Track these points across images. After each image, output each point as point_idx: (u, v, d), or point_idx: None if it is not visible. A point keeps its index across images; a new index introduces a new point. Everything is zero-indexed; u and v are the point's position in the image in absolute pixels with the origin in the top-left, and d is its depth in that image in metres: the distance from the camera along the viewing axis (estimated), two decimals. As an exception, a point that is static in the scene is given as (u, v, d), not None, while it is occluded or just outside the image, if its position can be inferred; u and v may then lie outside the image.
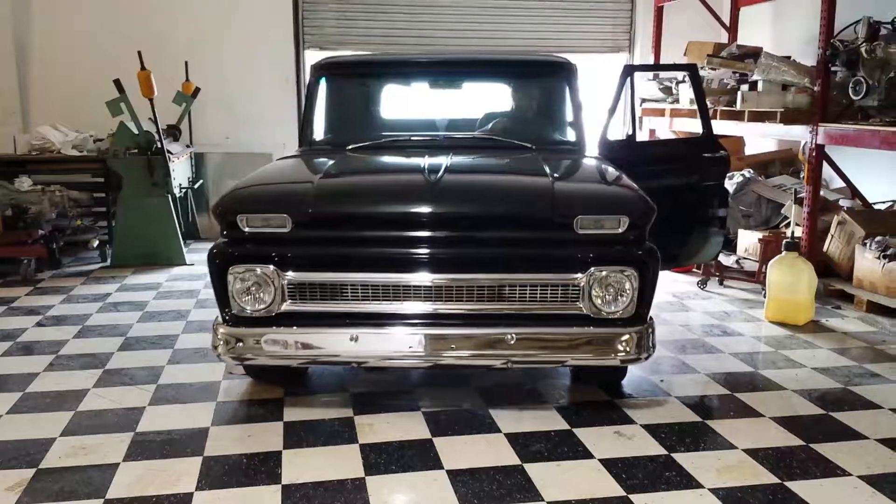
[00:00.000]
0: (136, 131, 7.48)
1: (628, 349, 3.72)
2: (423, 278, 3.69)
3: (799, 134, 6.65)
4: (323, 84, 5.22)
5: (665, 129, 8.63)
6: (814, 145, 6.38)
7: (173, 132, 8.28)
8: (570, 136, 5.13)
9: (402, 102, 5.60)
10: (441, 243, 3.72)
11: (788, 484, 3.30)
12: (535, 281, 3.71)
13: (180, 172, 8.02)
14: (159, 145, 7.46)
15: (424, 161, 4.20)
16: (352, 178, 4.45)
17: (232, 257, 3.72)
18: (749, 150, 8.84)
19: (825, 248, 6.61)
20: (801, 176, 7.40)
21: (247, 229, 3.73)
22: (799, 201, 6.53)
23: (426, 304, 3.72)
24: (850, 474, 3.40)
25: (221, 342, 3.76)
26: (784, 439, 3.74)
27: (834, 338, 5.37)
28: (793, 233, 6.11)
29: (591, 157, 4.86)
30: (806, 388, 4.42)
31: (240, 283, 3.71)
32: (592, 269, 3.68)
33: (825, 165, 6.62)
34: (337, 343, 3.71)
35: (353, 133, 5.08)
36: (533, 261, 3.73)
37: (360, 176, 4.54)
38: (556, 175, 4.15)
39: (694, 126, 8.33)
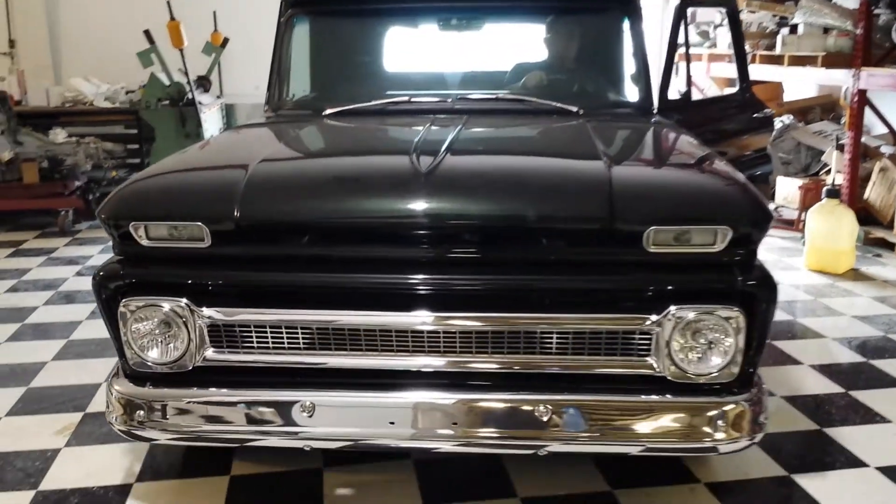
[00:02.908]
0: (167, 82, 7.51)
1: (730, 430, 2.46)
2: (403, 320, 2.45)
3: (840, 78, 6.48)
4: (297, 25, 4.01)
5: (702, 74, 8.45)
6: (855, 90, 6.22)
7: (203, 83, 8.28)
8: (632, 94, 3.77)
9: (404, 51, 4.22)
10: (433, 267, 2.46)
11: (827, 430, 3.29)
12: (581, 325, 2.43)
13: (212, 123, 8.03)
14: (190, 96, 7.47)
15: (420, 135, 2.93)
16: (303, 164, 3.14)
17: (125, 285, 2.52)
18: (788, 96, 8.66)
19: (866, 196, 6.49)
20: (842, 122, 7.24)
21: (146, 243, 2.51)
22: (840, 148, 6.40)
23: (411, 360, 2.50)
24: (890, 421, 3.38)
25: (115, 406, 2.61)
26: (823, 386, 3.72)
27: (874, 285, 5.29)
28: (833, 180, 6.00)
29: (665, 124, 3.46)
30: (845, 335, 4.37)
31: (137, 324, 2.52)
32: (673, 308, 2.38)
33: (867, 111, 6.47)
34: (281, 415, 2.52)
35: (337, 92, 3.94)
36: (577, 294, 2.47)
37: (316, 160, 3.27)
38: (613, 156, 2.82)
39: (733, 72, 8.15)
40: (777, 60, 6.95)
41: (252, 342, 2.53)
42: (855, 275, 5.53)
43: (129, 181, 2.76)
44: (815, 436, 3.25)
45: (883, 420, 3.39)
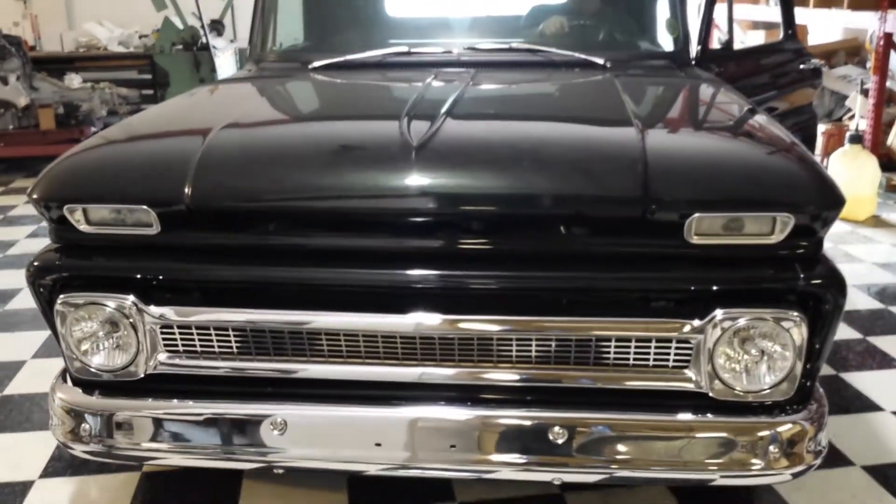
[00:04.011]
0: (180, 26, 7.47)
1: (786, 456, 2.04)
2: (390, 323, 2.04)
3: (866, 21, 6.34)
4: None
5: (720, 17, 8.28)
6: (882, 33, 6.08)
7: (217, 27, 8.21)
8: (667, 42, 3.23)
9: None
10: (426, 260, 2.03)
11: (843, 375, 3.30)
12: (606, 331, 2.02)
13: (226, 68, 7.97)
14: (205, 41, 7.41)
15: (416, 96, 2.50)
16: (270, 132, 2.58)
17: (62, 278, 2.13)
18: (813, 40, 8.48)
19: (889, 142, 6.40)
20: (868, 66, 7.10)
21: (85, 228, 2.10)
22: (864, 93, 6.29)
23: (401, 370, 2.09)
24: (908, 367, 3.39)
25: (57, 416, 2.25)
26: (841, 332, 3.71)
27: (895, 232, 5.25)
28: (857, 125, 5.91)
29: (706, 79, 3.02)
30: (865, 282, 4.35)
31: (78, 325, 2.14)
32: (719, 312, 1.96)
33: (893, 55, 6.34)
34: (248, 434, 2.13)
35: (327, 42, 3.50)
36: (601, 294, 2.05)
37: (287, 126, 2.72)
38: (647, 119, 2.37)
39: (757, 14, 7.97)
40: (803, 2, 6.79)
41: (213, 346, 2.14)
42: (876, 222, 5.48)
43: (69, 153, 2.29)
44: (832, 381, 3.25)
45: (900, 366, 3.40)
